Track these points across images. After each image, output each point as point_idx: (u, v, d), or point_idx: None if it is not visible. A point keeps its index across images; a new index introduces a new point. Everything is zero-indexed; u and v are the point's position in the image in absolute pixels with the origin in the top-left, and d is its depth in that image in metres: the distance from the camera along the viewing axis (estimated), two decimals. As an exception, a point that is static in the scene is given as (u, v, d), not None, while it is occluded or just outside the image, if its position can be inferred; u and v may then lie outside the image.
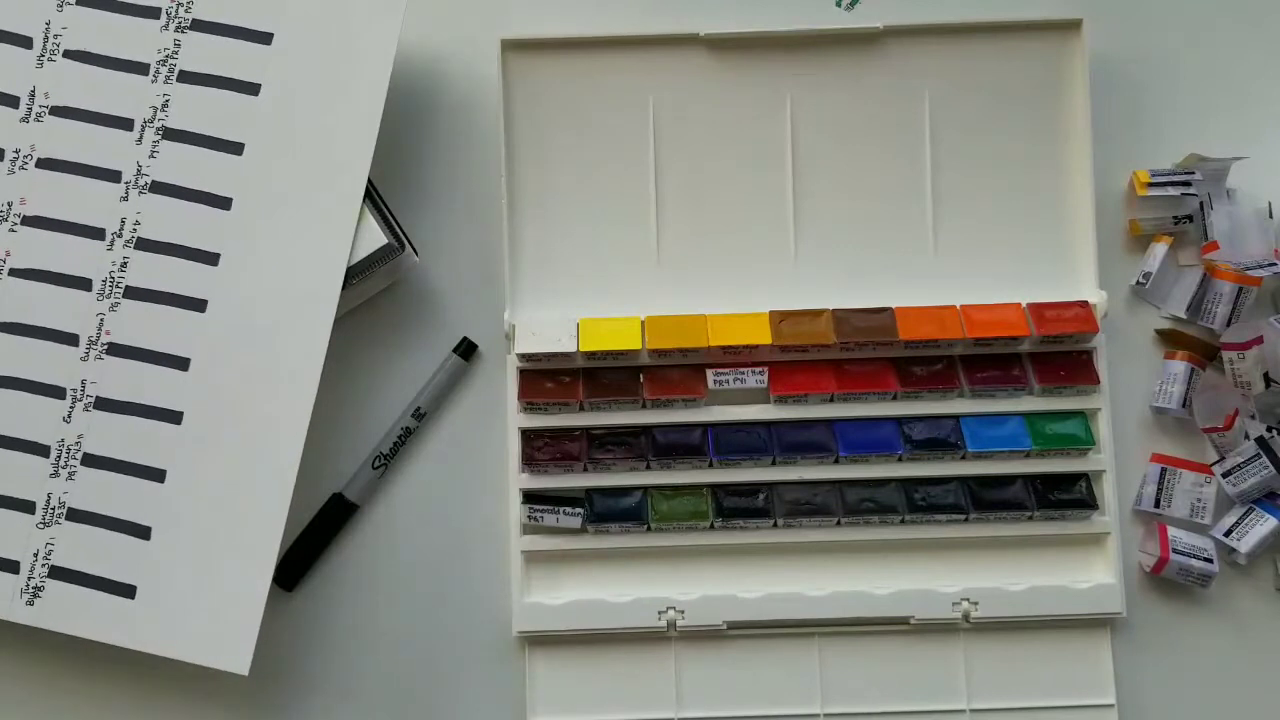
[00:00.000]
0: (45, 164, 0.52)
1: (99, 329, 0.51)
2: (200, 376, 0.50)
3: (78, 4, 0.52)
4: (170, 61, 0.52)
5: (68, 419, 0.51)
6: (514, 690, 0.53)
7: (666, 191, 0.54)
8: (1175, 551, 0.52)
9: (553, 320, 0.53)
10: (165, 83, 0.52)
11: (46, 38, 0.52)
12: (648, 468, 0.53)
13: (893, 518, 0.52)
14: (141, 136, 0.52)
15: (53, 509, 0.50)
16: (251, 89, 0.52)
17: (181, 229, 0.51)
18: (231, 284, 0.51)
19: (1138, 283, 0.55)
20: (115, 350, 0.51)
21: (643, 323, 0.52)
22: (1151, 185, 0.54)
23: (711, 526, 0.53)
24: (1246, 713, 0.53)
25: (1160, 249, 0.55)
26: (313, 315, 0.50)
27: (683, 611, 0.52)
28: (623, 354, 0.52)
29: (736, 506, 0.53)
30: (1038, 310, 0.53)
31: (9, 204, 0.52)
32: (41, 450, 0.50)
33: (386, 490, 0.54)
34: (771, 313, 0.53)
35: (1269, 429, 0.53)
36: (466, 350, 0.55)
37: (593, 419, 0.53)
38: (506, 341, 0.53)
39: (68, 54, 0.52)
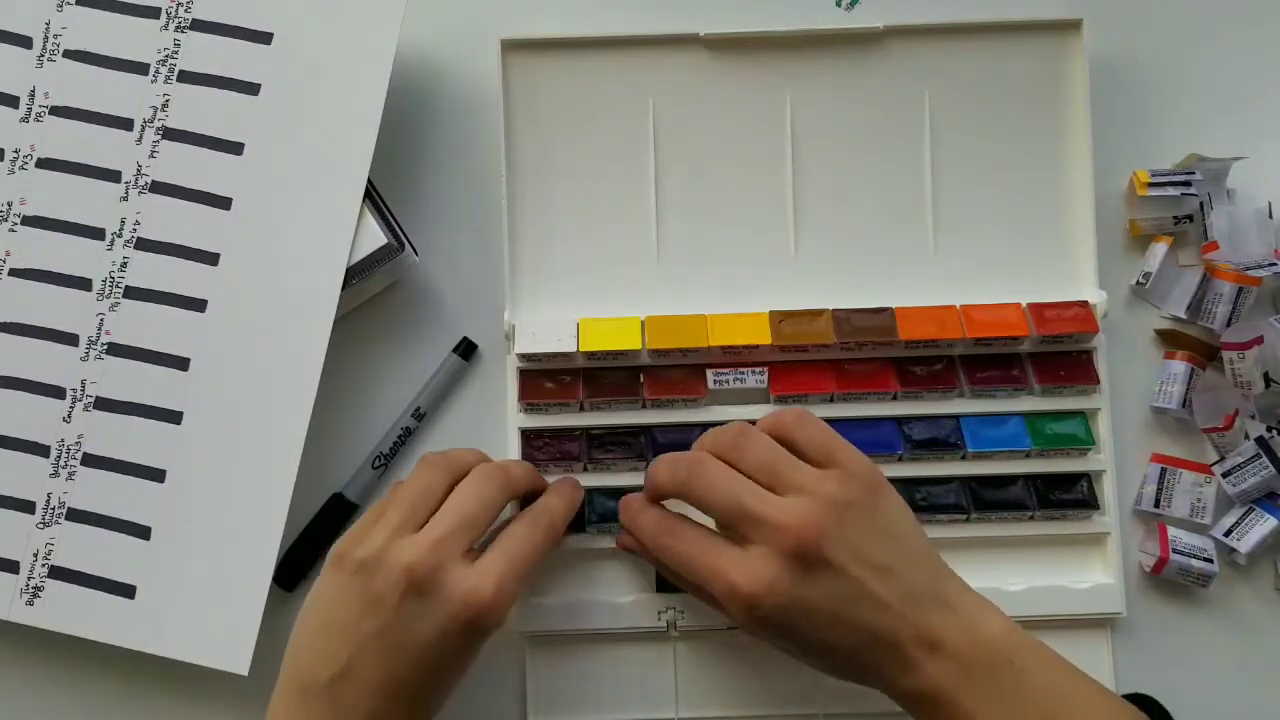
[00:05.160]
0: (45, 164, 0.52)
1: (99, 329, 0.51)
2: (200, 376, 0.50)
3: (78, 4, 0.52)
4: (170, 61, 0.52)
5: (68, 419, 0.51)
6: (514, 690, 0.53)
7: (666, 191, 0.54)
8: (1175, 551, 0.52)
9: (553, 320, 0.53)
10: (165, 83, 0.52)
11: (46, 38, 0.52)
12: (648, 467, 0.53)
13: (893, 518, 0.52)
14: (141, 136, 0.52)
15: (53, 509, 0.50)
16: (251, 89, 0.52)
17: (181, 229, 0.51)
18: (231, 284, 0.51)
19: (1138, 283, 0.55)
20: (115, 350, 0.51)
21: (643, 323, 0.52)
22: (1151, 185, 0.54)
23: (711, 526, 0.53)
24: (1246, 712, 0.53)
25: (1160, 249, 0.55)
26: (313, 315, 0.50)
27: (683, 612, 0.52)
28: (623, 354, 0.52)
29: (736, 506, 0.53)
30: (1038, 310, 0.53)
31: (9, 204, 0.52)
32: (41, 450, 0.50)
33: (386, 490, 0.54)
34: (771, 313, 0.53)
35: (1269, 429, 0.53)
36: (466, 350, 0.55)
37: (593, 419, 0.53)
38: (506, 341, 0.53)
39: (68, 54, 0.52)
